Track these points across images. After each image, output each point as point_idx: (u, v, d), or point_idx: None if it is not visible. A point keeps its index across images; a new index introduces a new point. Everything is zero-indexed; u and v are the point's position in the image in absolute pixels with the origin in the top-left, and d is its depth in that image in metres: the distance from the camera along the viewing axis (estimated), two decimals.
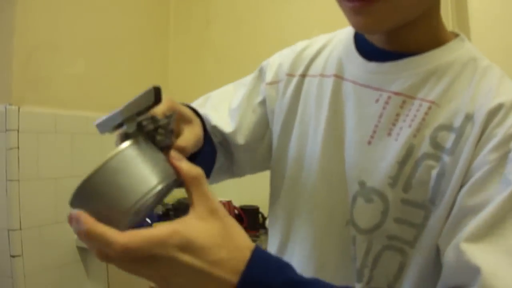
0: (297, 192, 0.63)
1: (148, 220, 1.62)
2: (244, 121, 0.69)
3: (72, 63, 1.76)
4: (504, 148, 0.46)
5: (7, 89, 1.54)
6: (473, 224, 0.44)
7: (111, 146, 0.41)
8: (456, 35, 0.57)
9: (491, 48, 1.36)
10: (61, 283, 1.66)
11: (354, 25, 0.52)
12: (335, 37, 0.67)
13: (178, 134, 0.48)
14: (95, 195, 0.37)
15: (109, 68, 1.90)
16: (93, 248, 0.36)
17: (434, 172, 0.50)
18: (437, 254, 0.51)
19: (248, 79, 0.73)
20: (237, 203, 1.84)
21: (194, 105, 0.71)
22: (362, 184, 0.55)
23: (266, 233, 1.72)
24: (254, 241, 0.45)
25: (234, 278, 0.38)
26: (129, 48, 2.03)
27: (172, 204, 1.90)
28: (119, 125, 0.42)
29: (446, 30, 0.57)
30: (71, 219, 0.36)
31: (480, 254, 0.42)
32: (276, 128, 0.67)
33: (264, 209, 1.78)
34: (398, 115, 0.54)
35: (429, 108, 0.52)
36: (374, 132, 0.55)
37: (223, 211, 0.40)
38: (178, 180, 0.40)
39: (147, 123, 0.41)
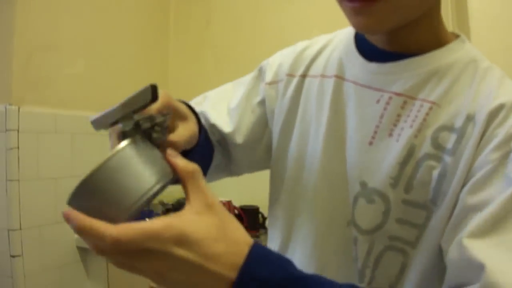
0: (298, 193, 0.63)
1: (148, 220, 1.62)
2: (243, 121, 0.69)
3: (72, 63, 1.75)
4: (506, 148, 0.46)
5: (7, 89, 1.54)
6: (476, 221, 0.44)
7: None
8: (456, 36, 0.57)
9: (491, 48, 1.36)
10: (61, 283, 1.66)
11: (354, 25, 0.52)
12: (335, 37, 0.67)
13: (172, 130, 0.48)
14: (94, 194, 0.36)
15: (109, 68, 1.90)
16: (90, 243, 0.36)
17: (435, 173, 0.50)
18: (439, 254, 0.51)
19: (247, 78, 0.73)
20: (237, 203, 1.84)
21: (192, 103, 0.71)
22: (363, 184, 0.55)
23: (266, 233, 1.72)
24: None
25: (232, 274, 0.37)
26: (129, 48, 2.03)
27: (172, 204, 1.91)
28: (115, 122, 0.42)
29: (447, 31, 0.57)
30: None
31: (483, 250, 0.42)
32: (276, 128, 0.67)
33: (264, 209, 1.78)
34: (399, 115, 0.54)
35: (430, 108, 0.52)
36: (375, 132, 0.55)
37: (220, 206, 0.40)
38: (175, 177, 0.40)
39: (144, 121, 0.41)
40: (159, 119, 0.42)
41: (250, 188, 1.67)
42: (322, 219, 0.60)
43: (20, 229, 1.50)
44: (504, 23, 1.46)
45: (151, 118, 0.41)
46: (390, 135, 0.54)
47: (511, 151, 0.46)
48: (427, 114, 0.52)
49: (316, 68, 0.65)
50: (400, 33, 0.54)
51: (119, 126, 0.41)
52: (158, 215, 1.82)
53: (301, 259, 0.60)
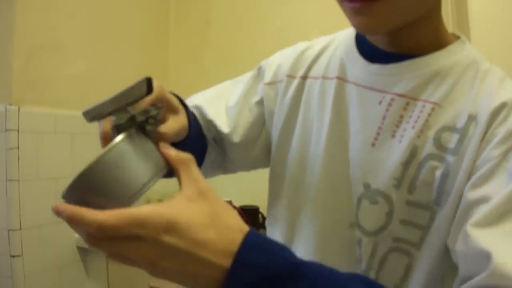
0: (300, 194, 0.63)
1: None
2: (240, 120, 0.69)
3: (72, 63, 1.75)
4: (507, 144, 0.47)
5: (7, 89, 1.54)
6: (481, 212, 0.44)
7: None
8: (457, 37, 0.57)
9: (492, 49, 1.36)
10: (61, 283, 1.66)
11: (355, 25, 0.52)
12: (335, 38, 0.67)
13: (162, 122, 0.49)
14: (90, 188, 0.36)
15: (109, 68, 1.90)
16: (82, 234, 0.36)
17: (438, 173, 0.51)
18: (444, 255, 0.51)
19: (246, 77, 0.73)
20: (237, 203, 1.84)
21: (189, 98, 0.72)
22: (367, 186, 0.55)
23: (266, 233, 1.72)
24: None
25: (226, 261, 0.36)
26: (129, 48, 2.03)
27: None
28: (108, 115, 0.42)
29: (447, 32, 0.58)
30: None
31: (489, 239, 0.42)
32: (275, 129, 0.67)
33: (264, 209, 1.78)
34: (401, 116, 0.54)
35: (432, 109, 0.52)
36: (378, 134, 0.55)
37: (213, 194, 0.39)
38: (169, 170, 0.40)
39: (139, 114, 0.41)
40: (153, 112, 0.42)
41: (250, 188, 1.67)
42: (324, 220, 0.60)
43: (20, 229, 1.50)
44: (504, 24, 1.46)
45: (146, 111, 0.41)
46: (393, 136, 0.54)
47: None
48: (429, 115, 0.52)
49: (317, 70, 0.64)
50: (401, 34, 0.54)
51: (113, 119, 0.41)
52: None
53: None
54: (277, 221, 0.66)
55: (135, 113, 0.41)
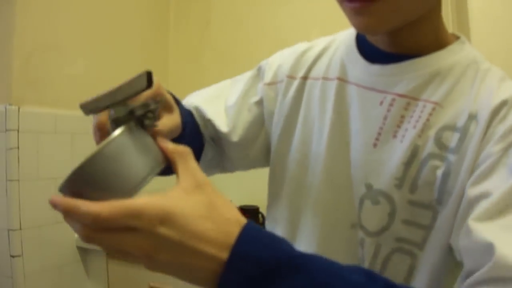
0: (301, 194, 0.63)
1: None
2: (239, 120, 0.69)
3: (72, 63, 1.75)
4: (507, 140, 0.47)
5: (7, 89, 1.54)
6: (482, 207, 0.44)
7: None
8: (456, 37, 0.58)
9: (492, 49, 1.36)
10: (61, 283, 1.66)
11: (355, 25, 0.52)
12: (336, 39, 0.67)
13: (158, 119, 0.49)
14: (88, 181, 0.36)
15: (109, 68, 1.90)
16: (77, 228, 0.35)
17: (439, 172, 0.51)
18: (447, 254, 0.51)
19: (246, 76, 0.73)
20: (237, 203, 1.84)
21: (187, 98, 0.72)
22: (368, 186, 0.55)
23: None
24: None
25: (223, 254, 0.35)
26: (129, 48, 2.03)
27: None
28: (106, 108, 0.42)
29: (447, 32, 0.58)
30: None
31: (491, 232, 0.42)
32: (275, 130, 0.67)
33: (264, 209, 1.78)
34: (402, 117, 0.54)
35: (433, 109, 0.52)
36: (379, 134, 0.55)
37: (210, 186, 0.38)
38: (167, 165, 0.40)
39: (139, 108, 0.40)
40: (152, 106, 0.41)
41: (250, 188, 1.67)
42: (325, 221, 0.60)
43: (20, 229, 1.50)
44: (505, 24, 1.46)
45: (145, 105, 0.41)
46: (394, 136, 0.54)
47: None
48: (430, 114, 0.52)
49: (318, 71, 0.65)
50: (401, 34, 0.54)
51: (111, 112, 0.41)
52: None
53: None
54: (277, 221, 0.66)
55: (134, 106, 0.40)
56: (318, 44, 0.68)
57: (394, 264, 0.54)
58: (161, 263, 0.36)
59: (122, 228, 0.34)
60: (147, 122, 0.41)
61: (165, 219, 0.34)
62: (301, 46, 0.70)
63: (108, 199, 0.35)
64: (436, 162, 0.51)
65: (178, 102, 0.62)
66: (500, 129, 0.48)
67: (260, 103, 0.69)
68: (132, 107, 0.40)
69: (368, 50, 0.59)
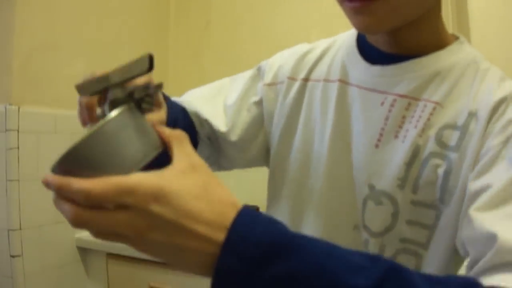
0: (303, 196, 0.63)
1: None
2: (238, 119, 0.69)
3: (72, 63, 1.75)
4: (506, 133, 0.47)
5: (7, 89, 1.54)
6: (483, 199, 0.44)
7: None
8: (456, 38, 0.58)
9: (492, 49, 1.36)
10: (61, 283, 1.66)
11: (355, 25, 0.52)
12: (336, 41, 0.67)
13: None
14: (85, 160, 0.35)
15: (109, 68, 1.90)
16: (67, 212, 0.34)
17: (440, 171, 0.51)
18: (452, 253, 0.51)
19: (245, 76, 0.73)
20: None
21: (185, 95, 0.72)
22: (371, 187, 0.56)
23: None
24: None
25: (219, 235, 0.34)
26: (129, 48, 2.02)
27: None
28: (104, 90, 0.41)
29: (447, 32, 0.58)
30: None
31: (493, 221, 0.42)
32: (275, 131, 0.67)
33: (264, 209, 1.78)
34: (404, 117, 0.54)
35: (434, 108, 0.53)
36: (381, 135, 0.55)
37: (205, 168, 0.38)
38: (163, 150, 0.39)
39: (138, 90, 0.40)
40: (151, 90, 0.41)
41: (250, 188, 1.67)
42: (327, 222, 0.60)
43: (20, 229, 1.50)
44: (505, 24, 1.46)
45: (145, 88, 0.40)
46: (396, 136, 0.54)
47: (511, 135, 0.47)
48: (431, 114, 0.53)
49: (319, 72, 0.65)
50: (401, 34, 0.55)
51: (109, 94, 0.40)
52: None
53: None
54: None
55: (134, 88, 0.40)
56: (319, 46, 0.68)
57: None
58: (153, 243, 0.34)
59: (114, 207, 0.33)
60: (144, 106, 0.40)
61: (159, 196, 0.34)
62: (302, 48, 0.70)
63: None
64: (437, 161, 0.51)
65: (167, 99, 0.62)
66: (499, 124, 0.49)
67: (259, 103, 0.69)
68: (131, 89, 0.40)
69: (368, 52, 0.59)
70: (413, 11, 0.52)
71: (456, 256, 0.52)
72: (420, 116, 0.53)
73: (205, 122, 0.69)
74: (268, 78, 0.69)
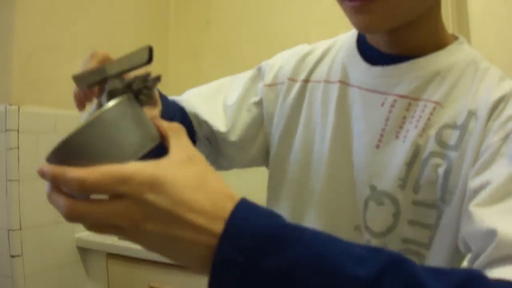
0: (303, 198, 0.63)
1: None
2: (238, 120, 0.69)
3: (72, 63, 1.75)
4: (505, 130, 0.48)
5: (7, 89, 1.54)
6: (482, 195, 0.44)
7: None
8: (455, 38, 0.58)
9: (492, 49, 1.36)
10: (61, 283, 1.66)
11: (355, 24, 0.52)
12: (337, 42, 0.67)
13: None
14: (81, 150, 0.34)
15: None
16: (60, 206, 0.34)
17: (441, 170, 0.51)
18: (454, 253, 0.51)
19: (245, 76, 0.73)
20: None
21: (184, 95, 0.72)
22: (373, 188, 0.56)
23: None
24: None
25: (216, 226, 0.33)
26: (129, 48, 2.02)
27: None
28: (102, 81, 0.40)
29: (447, 32, 0.58)
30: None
31: (492, 216, 0.42)
32: (275, 132, 0.67)
33: None
34: (404, 117, 0.54)
35: (434, 108, 0.53)
36: (382, 136, 0.56)
37: (202, 160, 0.37)
38: (161, 142, 0.39)
39: (137, 82, 0.39)
40: (150, 82, 0.40)
41: (250, 188, 1.67)
42: (328, 223, 0.60)
43: (20, 229, 1.50)
44: (505, 24, 1.46)
45: (144, 79, 0.40)
46: (397, 137, 0.55)
47: (510, 132, 0.47)
48: (431, 114, 0.53)
49: (319, 74, 0.65)
50: (401, 34, 0.55)
51: (107, 84, 0.40)
52: None
53: None
54: None
55: (133, 80, 0.39)
56: (319, 47, 0.68)
57: None
58: (148, 234, 0.34)
59: (109, 198, 0.33)
60: (142, 97, 0.40)
61: (155, 185, 0.33)
62: (302, 49, 0.70)
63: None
64: (437, 160, 0.51)
65: (163, 97, 0.62)
66: (498, 121, 0.49)
67: (259, 103, 0.69)
68: (129, 81, 0.39)
69: (368, 52, 0.60)
70: (413, 10, 0.52)
71: (458, 256, 0.52)
72: (420, 116, 0.53)
73: (204, 123, 0.69)
74: (268, 78, 0.69)
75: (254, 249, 0.32)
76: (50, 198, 0.35)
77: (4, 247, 1.49)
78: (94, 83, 0.42)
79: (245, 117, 0.69)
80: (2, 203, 1.49)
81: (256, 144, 0.70)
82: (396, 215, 0.54)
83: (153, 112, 0.52)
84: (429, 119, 0.53)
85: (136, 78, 0.40)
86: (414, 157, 0.53)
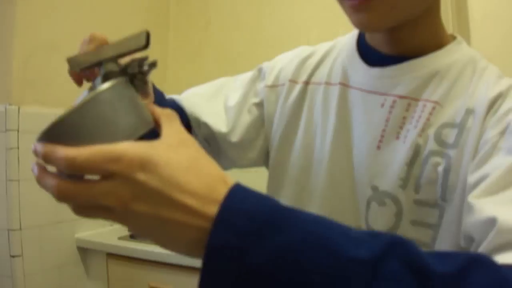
0: (304, 199, 0.63)
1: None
2: (239, 120, 0.69)
3: None
4: (502, 124, 0.48)
5: (7, 89, 1.54)
6: (482, 186, 0.44)
7: None
8: (453, 38, 0.58)
9: (492, 49, 1.36)
10: (61, 283, 1.66)
11: (355, 23, 0.53)
12: (337, 44, 0.67)
13: None
14: (75, 130, 0.34)
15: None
16: (50, 186, 0.34)
17: (440, 169, 0.51)
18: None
19: (246, 77, 0.73)
20: None
21: (183, 94, 0.73)
22: (375, 188, 0.56)
23: None
24: None
25: (209, 209, 0.32)
26: None
27: None
28: (97, 64, 0.40)
29: (446, 32, 0.58)
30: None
31: (492, 206, 0.42)
32: (276, 133, 0.67)
33: None
34: (404, 118, 0.55)
35: (433, 108, 0.53)
36: (382, 136, 0.56)
37: (195, 144, 0.37)
38: (153, 127, 0.38)
39: (132, 66, 0.39)
40: (145, 67, 0.40)
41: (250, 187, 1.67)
42: None
43: (20, 229, 1.50)
44: (505, 24, 1.46)
45: (140, 64, 0.39)
46: (397, 137, 0.55)
47: (507, 126, 0.47)
48: (430, 113, 0.53)
49: (320, 76, 0.65)
50: (400, 34, 0.55)
51: (103, 67, 0.39)
52: None
53: None
54: None
55: (128, 64, 0.39)
56: (320, 49, 0.69)
57: None
58: (138, 215, 0.33)
59: (100, 178, 0.32)
60: (137, 82, 0.39)
61: (146, 165, 0.32)
62: (304, 51, 0.70)
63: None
64: (437, 159, 0.52)
65: (158, 94, 0.62)
66: (495, 117, 0.49)
67: (260, 104, 0.70)
68: (126, 64, 0.39)
69: (368, 54, 0.60)
70: (412, 8, 0.52)
71: None
72: (420, 116, 0.54)
73: (204, 125, 0.69)
74: (269, 80, 0.69)
75: (250, 232, 0.31)
76: (40, 180, 0.34)
77: (4, 247, 1.49)
78: (88, 66, 0.41)
79: (246, 118, 0.69)
80: (2, 203, 1.49)
81: (257, 145, 0.70)
82: (398, 215, 0.54)
83: (145, 101, 0.52)
84: (428, 119, 0.53)
85: (132, 61, 0.39)
86: (415, 157, 0.53)
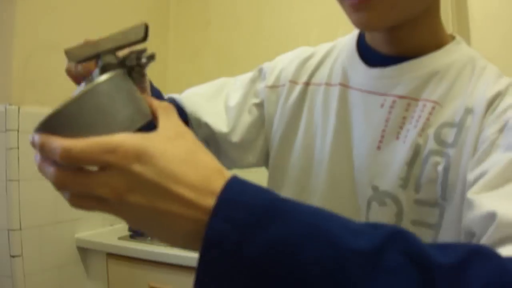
0: (304, 199, 0.63)
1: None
2: (240, 121, 0.69)
3: None
4: (500, 121, 0.48)
5: (7, 89, 1.54)
6: (481, 182, 0.44)
7: None
8: (452, 38, 0.58)
9: (492, 49, 1.36)
10: (61, 283, 1.66)
11: (355, 22, 0.53)
12: (337, 45, 0.68)
13: None
14: (72, 121, 0.34)
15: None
16: (49, 174, 0.33)
17: (440, 168, 0.51)
18: None
19: (246, 78, 0.73)
20: None
21: (184, 94, 0.73)
22: (375, 188, 0.56)
23: None
24: None
25: (206, 200, 0.32)
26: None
27: None
28: (94, 56, 0.40)
29: (445, 32, 0.58)
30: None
31: (492, 201, 0.42)
32: (276, 133, 0.67)
33: None
34: (404, 118, 0.55)
35: (433, 108, 0.53)
36: (382, 137, 0.56)
37: (192, 136, 0.36)
38: (151, 120, 0.38)
39: (131, 58, 0.39)
40: (144, 60, 0.40)
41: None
42: None
43: (20, 229, 1.50)
44: (505, 24, 1.46)
45: (138, 57, 0.39)
46: (397, 137, 0.55)
47: (505, 124, 0.47)
48: (430, 113, 0.53)
49: (320, 76, 0.65)
50: (400, 34, 0.55)
51: (101, 59, 0.39)
52: None
53: None
54: None
55: (127, 56, 0.39)
56: (320, 50, 0.69)
57: None
58: (133, 207, 0.32)
59: (93, 164, 0.32)
60: (135, 75, 0.39)
61: (142, 156, 0.32)
62: (304, 52, 0.70)
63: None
64: (437, 158, 0.52)
65: (155, 92, 0.62)
66: (494, 115, 0.49)
67: (260, 105, 0.70)
68: (124, 57, 0.39)
69: (368, 54, 0.60)
70: (412, 8, 0.52)
71: None
72: (419, 116, 0.54)
73: (205, 125, 0.69)
74: (270, 80, 0.70)
75: (249, 224, 0.31)
76: (40, 168, 0.34)
77: (4, 247, 1.49)
78: (86, 58, 0.41)
79: (246, 118, 0.69)
80: (2, 203, 1.49)
81: (257, 145, 0.70)
82: (399, 215, 0.54)
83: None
84: (428, 118, 0.53)
85: (130, 54, 0.39)
86: (415, 157, 0.53)
